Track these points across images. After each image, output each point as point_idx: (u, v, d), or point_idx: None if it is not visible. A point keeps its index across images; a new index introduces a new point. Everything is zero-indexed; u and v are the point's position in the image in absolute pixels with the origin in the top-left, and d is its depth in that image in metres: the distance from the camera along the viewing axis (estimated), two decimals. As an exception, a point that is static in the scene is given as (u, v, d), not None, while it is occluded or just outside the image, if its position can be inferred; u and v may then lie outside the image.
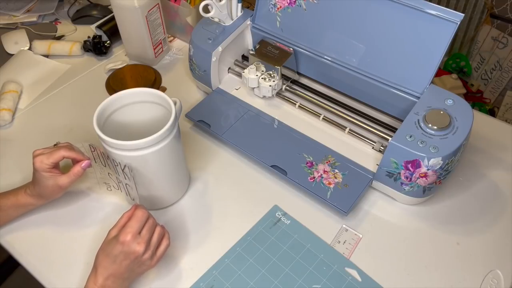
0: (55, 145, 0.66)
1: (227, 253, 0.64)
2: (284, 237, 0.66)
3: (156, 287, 0.62)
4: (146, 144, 0.59)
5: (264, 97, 0.82)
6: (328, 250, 0.65)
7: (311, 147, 0.74)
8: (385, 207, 0.70)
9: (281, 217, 0.68)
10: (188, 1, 0.97)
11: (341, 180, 0.70)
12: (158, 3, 0.89)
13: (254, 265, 0.63)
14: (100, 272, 0.55)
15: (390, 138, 0.64)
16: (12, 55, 1.01)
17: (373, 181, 0.70)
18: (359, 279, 0.62)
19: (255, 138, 0.77)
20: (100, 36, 0.99)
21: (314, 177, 0.70)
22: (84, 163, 0.63)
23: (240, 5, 0.83)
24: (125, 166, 0.61)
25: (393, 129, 0.74)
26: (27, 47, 1.02)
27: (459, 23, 0.63)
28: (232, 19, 0.83)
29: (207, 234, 0.67)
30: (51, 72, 0.96)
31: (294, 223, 0.68)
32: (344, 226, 0.68)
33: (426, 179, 0.63)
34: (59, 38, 1.05)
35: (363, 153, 0.73)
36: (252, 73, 0.79)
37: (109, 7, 1.08)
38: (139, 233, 0.56)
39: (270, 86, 0.78)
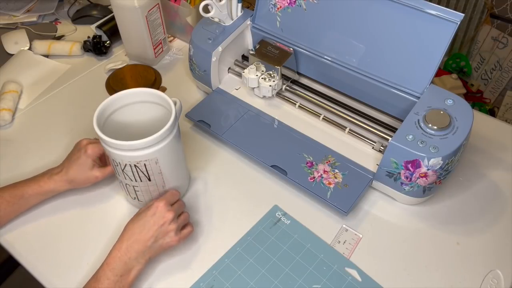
0: (95, 139, 0.69)
1: (227, 253, 0.64)
2: (284, 237, 0.66)
3: (157, 287, 0.62)
4: (146, 144, 0.58)
5: (264, 97, 0.82)
6: (328, 250, 0.65)
7: (311, 147, 0.74)
8: (385, 207, 0.70)
9: (281, 217, 0.68)
10: (188, 1, 0.97)
11: (341, 180, 0.70)
12: (158, 3, 0.89)
13: (254, 265, 0.63)
14: (126, 238, 0.58)
15: (390, 138, 0.64)
16: (12, 55, 1.01)
17: (373, 181, 0.70)
18: (359, 279, 0.62)
19: (255, 138, 0.77)
20: (100, 36, 0.99)
21: (314, 177, 0.70)
22: None
23: (240, 5, 0.83)
24: (125, 165, 0.60)
25: (393, 129, 0.74)
26: (27, 47, 1.02)
27: (459, 23, 0.63)
28: (232, 19, 0.83)
29: (207, 234, 0.67)
30: (51, 72, 0.96)
31: (294, 223, 0.68)
32: (344, 226, 0.68)
33: (426, 179, 0.63)
34: (59, 38, 1.05)
35: (363, 153, 0.73)
36: (252, 73, 0.79)
37: (109, 7, 1.08)
38: (171, 205, 0.62)
39: (270, 86, 0.78)
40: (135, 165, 0.60)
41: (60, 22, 1.10)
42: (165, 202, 0.61)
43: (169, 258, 0.64)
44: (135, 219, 0.60)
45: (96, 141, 0.69)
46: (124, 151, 0.59)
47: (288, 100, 0.81)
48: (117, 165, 0.62)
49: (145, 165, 0.61)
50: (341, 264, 0.63)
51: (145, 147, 0.59)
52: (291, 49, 0.79)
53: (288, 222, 0.68)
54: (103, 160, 0.70)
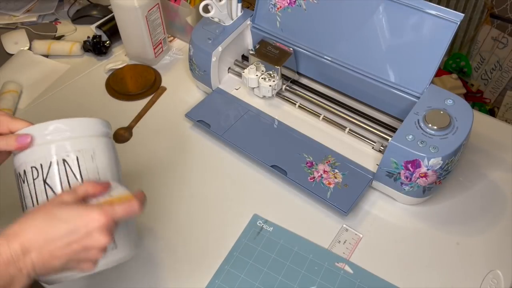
0: None
1: (216, 273, 0.62)
2: (271, 245, 0.65)
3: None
4: (82, 127, 0.48)
5: (264, 97, 0.82)
6: (316, 249, 0.64)
7: (311, 147, 0.74)
8: (385, 207, 0.70)
9: (263, 225, 0.68)
10: (188, 1, 0.97)
11: (341, 180, 0.70)
12: (158, 3, 0.89)
13: (247, 279, 0.62)
14: (33, 238, 0.42)
15: (390, 138, 0.64)
16: (12, 55, 1.01)
17: (373, 181, 0.70)
18: (351, 271, 0.62)
19: (255, 138, 0.77)
20: (100, 36, 0.99)
21: (314, 177, 0.70)
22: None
23: (240, 5, 0.83)
24: (49, 166, 0.47)
25: (393, 129, 0.74)
26: (27, 47, 1.02)
27: (459, 23, 0.63)
28: (232, 19, 0.83)
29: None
30: (51, 72, 0.96)
31: (277, 228, 0.67)
32: (344, 226, 0.68)
33: (426, 179, 0.63)
34: (59, 38, 1.05)
35: (363, 153, 0.73)
36: (252, 73, 0.79)
37: (109, 7, 1.08)
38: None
39: (270, 86, 0.78)
40: (64, 161, 0.47)
41: (60, 22, 1.10)
42: (107, 219, 0.43)
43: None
44: (56, 215, 0.42)
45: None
46: (54, 138, 0.47)
47: (288, 100, 0.81)
48: (31, 174, 0.46)
49: (77, 158, 0.47)
50: (330, 260, 0.63)
51: (78, 135, 0.48)
52: (291, 49, 0.79)
53: (271, 229, 0.67)
54: None
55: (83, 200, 0.44)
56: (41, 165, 0.47)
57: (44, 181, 0.47)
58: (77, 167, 0.47)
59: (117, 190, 0.48)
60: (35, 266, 0.41)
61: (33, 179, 0.47)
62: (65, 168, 0.47)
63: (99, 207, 0.43)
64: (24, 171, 0.47)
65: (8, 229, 0.41)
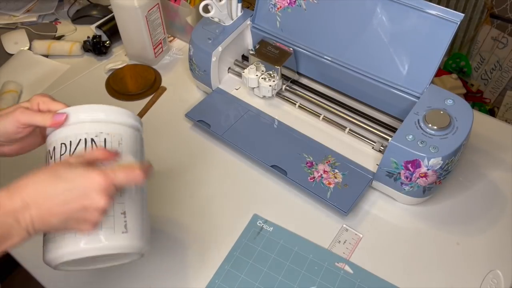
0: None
1: (216, 273, 0.62)
2: (271, 245, 0.65)
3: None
4: (116, 114, 0.50)
5: (264, 97, 0.82)
6: (316, 249, 0.64)
7: (311, 147, 0.74)
8: (385, 207, 0.70)
9: (262, 225, 0.68)
10: (188, 1, 0.97)
11: (341, 180, 0.70)
12: (158, 3, 0.89)
13: (247, 279, 0.62)
14: (34, 195, 0.43)
15: (390, 138, 0.64)
16: (12, 55, 1.01)
17: (373, 181, 0.70)
18: (351, 271, 0.62)
19: (255, 138, 0.77)
20: (100, 36, 0.99)
21: (314, 177, 0.70)
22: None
23: (240, 5, 0.83)
24: (78, 143, 0.49)
25: (393, 129, 0.74)
26: (27, 47, 1.02)
27: (459, 23, 0.63)
28: (232, 19, 0.83)
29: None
30: (51, 72, 0.96)
31: (277, 228, 0.67)
32: (344, 226, 0.68)
33: (426, 179, 0.63)
34: (59, 38, 1.05)
35: (363, 153, 0.73)
36: (252, 73, 0.79)
37: (109, 7, 1.08)
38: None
39: (270, 86, 0.78)
40: (92, 140, 0.49)
41: (60, 22, 1.10)
42: (106, 182, 0.43)
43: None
44: (59, 174, 0.43)
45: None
46: (86, 118, 0.50)
47: (288, 100, 0.81)
48: (59, 149, 0.48)
49: (105, 140, 0.49)
50: (330, 260, 0.63)
51: (110, 120, 0.50)
52: (291, 49, 0.79)
53: (271, 229, 0.67)
54: (24, 142, 0.54)
55: (90, 164, 0.45)
56: (70, 142, 0.48)
57: (70, 156, 0.48)
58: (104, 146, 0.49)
59: (125, 159, 0.49)
60: (34, 221, 0.42)
61: (60, 155, 0.48)
62: (92, 147, 0.48)
63: (100, 169, 0.44)
64: (54, 148, 0.49)
65: (13, 183, 0.43)
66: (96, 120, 0.50)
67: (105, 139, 0.49)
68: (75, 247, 0.46)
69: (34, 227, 0.43)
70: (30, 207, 0.42)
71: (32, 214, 0.42)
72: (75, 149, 0.48)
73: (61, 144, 0.49)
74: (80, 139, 0.48)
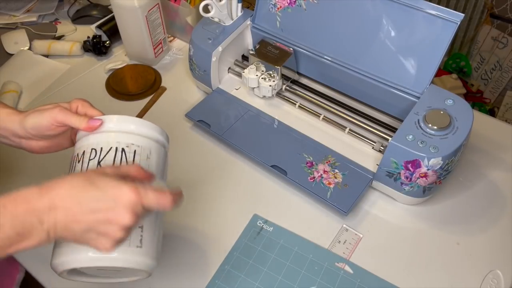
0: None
1: (216, 273, 0.62)
2: (271, 245, 0.65)
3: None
4: (148, 129, 0.51)
5: (264, 97, 0.82)
6: (316, 249, 0.64)
7: (311, 147, 0.74)
8: (385, 207, 0.70)
9: (263, 225, 0.68)
10: (188, 1, 0.97)
11: (341, 180, 0.70)
12: (158, 3, 0.89)
13: (246, 279, 0.62)
14: (62, 199, 0.42)
15: (390, 138, 0.64)
16: (12, 55, 1.01)
17: (373, 181, 0.70)
18: (351, 271, 0.62)
19: (255, 138, 0.77)
20: (100, 36, 0.99)
21: (314, 177, 0.70)
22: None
23: (240, 5, 0.83)
24: (108, 151, 0.50)
25: (393, 129, 0.74)
26: (27, 47, 1.02)
27: (459, 23, 0.63)
28: (232, 19, 0.83)
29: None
30: (51, 72, 0.96)
31: (277, 228, 0.67)
32: (344, 226, 0.68)
33: (426, 179, 0.63)
34: (59, 38, 1.05)
35: (363, 153, 0.73)
36: (252, 73, 0.79)
37: (109, 7, 1.08)
38: None
39: (270, 86, 0.78)
40: (122, 150, 0.49)
41: (60, 22, 1.10)
42: (137, 199, 0.43)
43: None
44: (92, 180, 0.43)
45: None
46: (120, 129, 0.51)
47: (288, 100, 0.81)
48: (88, 154, 0.49)
49: (135, 152, 0.50)
50: (330, 260, 0.63)
51: (142, 134, 0.51)
52: (291, 49, 0.79)
53: (271, 229, 0.67)
54: (54, 143, 0.55)
55: (123, 178, 0.44)
56: (101, 148, 0.49)
57: (99, 162, 0.49)
58: (132, 159, 0.50)
59: (157, 183, 0.49)
60: (57, 225, 0.41)
61: (89, 159, 0.49)
62: (121, 157, 0.49)
63: (134, 184, 0.43)
64: (84, 152, 0.50)
65: (46, 182, 0.42)
66: (128, 131, 0.51)
67: (135, 151, 0.50)
68: (84, 254, 0.45)
69: (55, 231, 0.42)
70: (57, 210, 0.41)
71: (57, 217, 0.41)
72: (105, 156, 0.49)
73: (92, 149, 0.50)
74: (111, 147, 0.49)
